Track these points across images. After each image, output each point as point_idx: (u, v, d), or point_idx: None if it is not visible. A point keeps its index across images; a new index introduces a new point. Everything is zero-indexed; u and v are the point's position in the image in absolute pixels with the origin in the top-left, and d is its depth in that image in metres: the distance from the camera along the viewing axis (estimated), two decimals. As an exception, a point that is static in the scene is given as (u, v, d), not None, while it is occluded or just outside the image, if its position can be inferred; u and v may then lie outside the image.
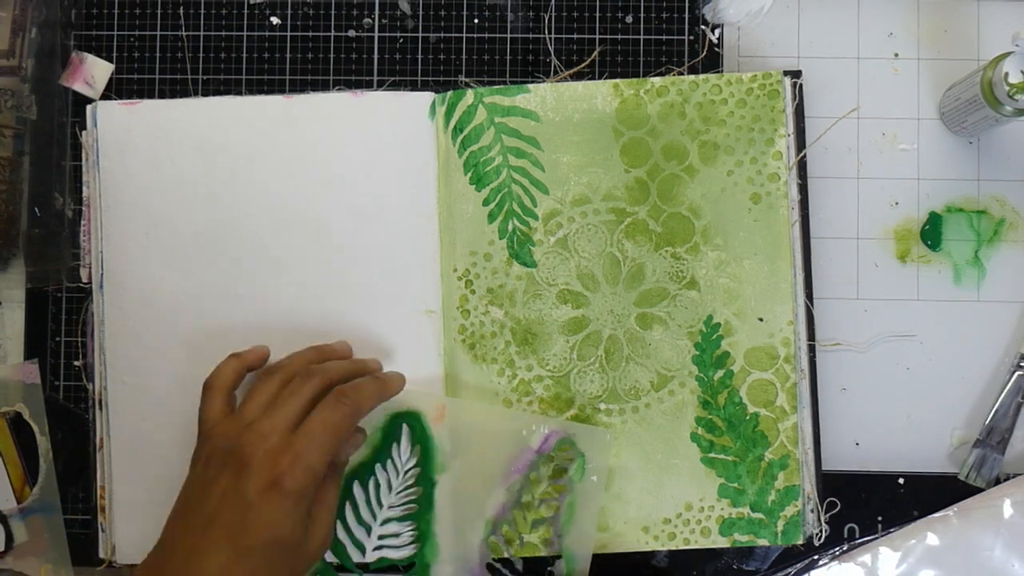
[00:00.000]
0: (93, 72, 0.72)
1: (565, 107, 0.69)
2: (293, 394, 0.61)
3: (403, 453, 0.67)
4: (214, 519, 0.56)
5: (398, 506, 0.67)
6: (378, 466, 0.67)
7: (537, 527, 0.67)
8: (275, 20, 0.72)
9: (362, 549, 0.67)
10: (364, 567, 0.67)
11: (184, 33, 0.72)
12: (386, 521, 0.67)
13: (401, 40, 0.72)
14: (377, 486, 0.67)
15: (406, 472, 0.67)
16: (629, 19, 0.71)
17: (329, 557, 0.67)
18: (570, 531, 0.67)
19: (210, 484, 0.58)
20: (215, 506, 0.57)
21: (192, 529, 0.57)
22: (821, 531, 0.68)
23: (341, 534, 0.67)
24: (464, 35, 0.72)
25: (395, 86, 0.71)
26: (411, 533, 0.67)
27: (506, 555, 0.67)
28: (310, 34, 0.72)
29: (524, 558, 0.67)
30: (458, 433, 0.67)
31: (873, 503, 0.69)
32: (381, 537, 0.67)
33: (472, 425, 0.67)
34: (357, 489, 0.67)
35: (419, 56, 0.72)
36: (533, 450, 0.67)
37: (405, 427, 0.67)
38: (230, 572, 0.55)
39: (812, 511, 0.68)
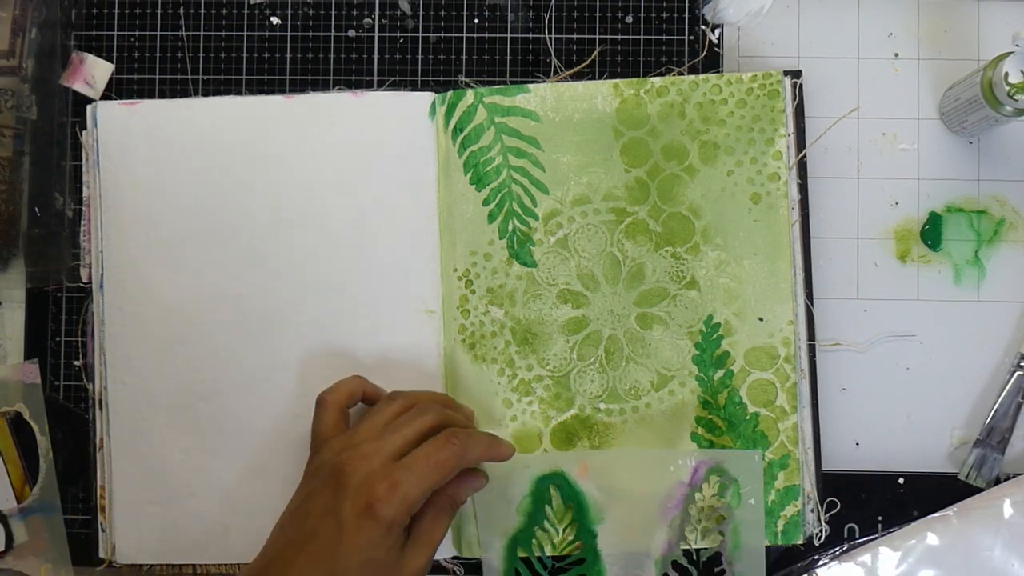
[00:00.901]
0: (93, 72, 0.72)
1: (565, 107, 0.69)
2: (406, 423, 0.61)
3: (558, 513, 0.67)
4: (312, 536, 0.58)
5: (564, 563, 0.67)
6: (536, 530, 0.67)
7: (705, 557, 0.67)
8: (275, 20, 0.72)
9: None
10: None
11: (184, 33, 0.72)
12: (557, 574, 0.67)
13: (401, 40, 0.72)
14: (540, 548, 0.67)
15: (565, 530, 0.67)
16: (629, 19, 0.71)
17: None
18: (740, 557, 0.66)
19: (312, 498, 0.59)
20: (314, 523, 0.58)
21: (292, 541, 0.58)
22: (821, 531, 0.68)
23: None
24: (464, 35, 0.72)
25: (395, 86, 0.71)
26: None
27: None
28: (310, 34, 0.72)
29: None
30: (607, 482, 0.67)
31: (873, 503, 0.69)
32: None
33: (619, 472, 0.67)
34: (520, 559, 0.67)
35: (419, 56, 0.72)
36: (685, 484, 0.66)
37: (552, 488, 0.67)
38: None
39: (812, 511, 0.68)
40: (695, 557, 0.67)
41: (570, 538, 0.67)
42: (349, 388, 0.65)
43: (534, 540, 0.67)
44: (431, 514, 0.62)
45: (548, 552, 0.67)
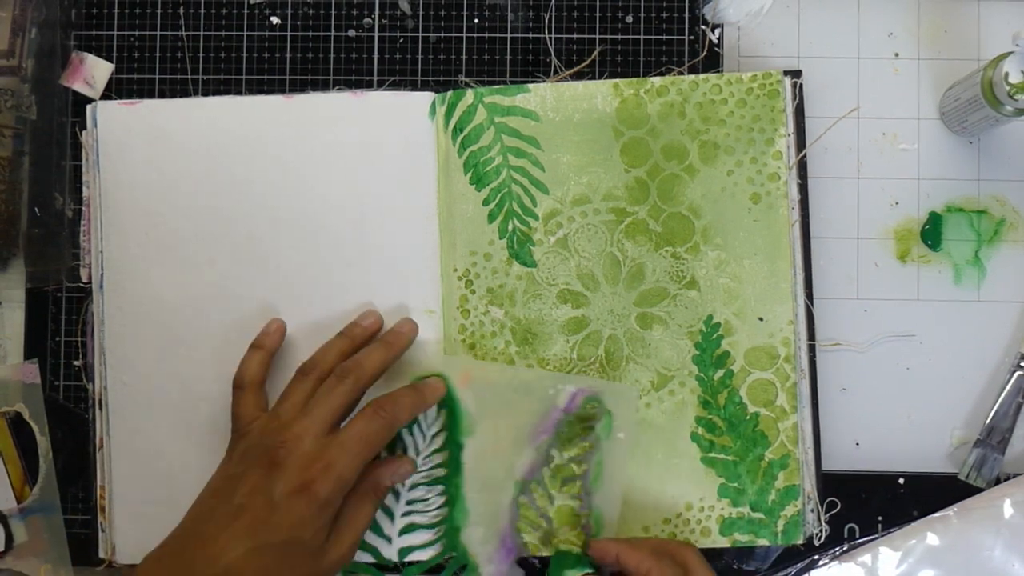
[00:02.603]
0: (93, 72, 0.72)
1: (565, 107, 0.69)
2: (328, 394, 0.62)
3: (429, 417, 0.67)
4: (241, 512, 0.57)
5: (425, 470, 0.67)
6: (404, 431, 0.67)
7: (566, 486, 0.67)
8: (275, 20, 0.72)
9: (391, 515, 0.67)
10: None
11: (184, 33, 0.72)
12: (414, 486, 0.67)
13: (401, 40, 0.72)
14: (404, 451, 0.67)
15: (432, 436, 0.67)
16: (629, 19, 0.71)
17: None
18: (599, 489, 0.66)
19: (240, 479, 0.59)
20: (243, 500, 0.58)
21: (216, 518, 0.58)
22: (821, 531, 0.68)
23: None
24: (464, 35, 0.72)
25: (395, 86, 0.71)
26: (440, 497, 0.67)
27: (536, 516, 0.66)
28: (310, 34, 0.72)
29: (556, 518, 0.67)
30: (484, 396, 0.67)
31: (873, 503, 0.69)
32: (410, 503, 0.67)
33: (498, 387, 0.67)
34: (384, 456, 0.67)
35: (419, 56, 0.72)
36: (560, 409, 0.67)
37: None
38: (246, 563, 0.57)
39: (812, 511, 0.68)
40: (555, 484, 0.67)
41: (437, 446, 0.67)
42: (256, 362, 0.66)
43: (400, 442, 0.67)
44: (355, 501, 0.62)
45: (411, 455, 0.67)
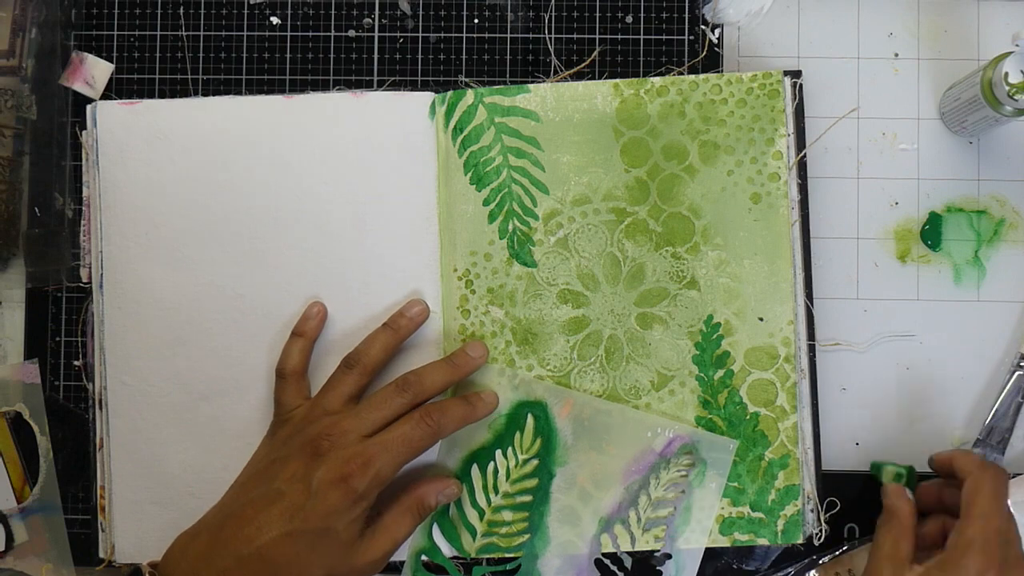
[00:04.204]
0: (93, 72, 0.72)
1: (565, 107, 0.69)
2: (383, 402, 0.63)
3: (525, 443, 0.67)
4: (279, 496, 0.59)
5: (514, 495, 0.67)
6: (499, 452, 0.67)
7: (651, 527, 0.67)
8: (275, 20, 0.72)
9: (473, 533, 0.67)
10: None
11: (184, 33, 0.72)
12: (499, 508, 0.67)
13: (401, 40, 0.72)
14: (495, 472, 0.67)
15: (526, 462, 0.67)
16: (629, 19, 0.71)
17: (438, 539, 0.67)
18: (683, 534, 0.67)
19: (282, 464, 0.61)
20: (282, 485, 0.60)
21: (256, 500, 0.60)
22: (821, 531, 0.68)
23: (454, 514, 0.67)
24: (464, 35, 0.72)
25: (395, 86, 0.71)
26: (523, 523, 0.67)
27: (616, 554, 0.67)
28: (310, 34, 0.72)
29: (634, 558, 0.67)
30: (583, 429, 0.67)
31: (873, 503, 0.69)
32: (492, 524, 0.67)
33: (598, 422, 0.67)
34: (475, 472, 0.67)
35: (419, 56, 0.72)
36: (656, 452, 0.67)
37: (530, 417, 0.67)
38: (279, 547, 0.58)
39: (812, 511, 0.68)
40: (640, 525, 0.67)
41: (527, 471, 0.67)
42: (298, 349, 0.67)
43: (493, 462, 0.67)
44: (396, 510, 0.63)
45: (501, 477, 0.67)
